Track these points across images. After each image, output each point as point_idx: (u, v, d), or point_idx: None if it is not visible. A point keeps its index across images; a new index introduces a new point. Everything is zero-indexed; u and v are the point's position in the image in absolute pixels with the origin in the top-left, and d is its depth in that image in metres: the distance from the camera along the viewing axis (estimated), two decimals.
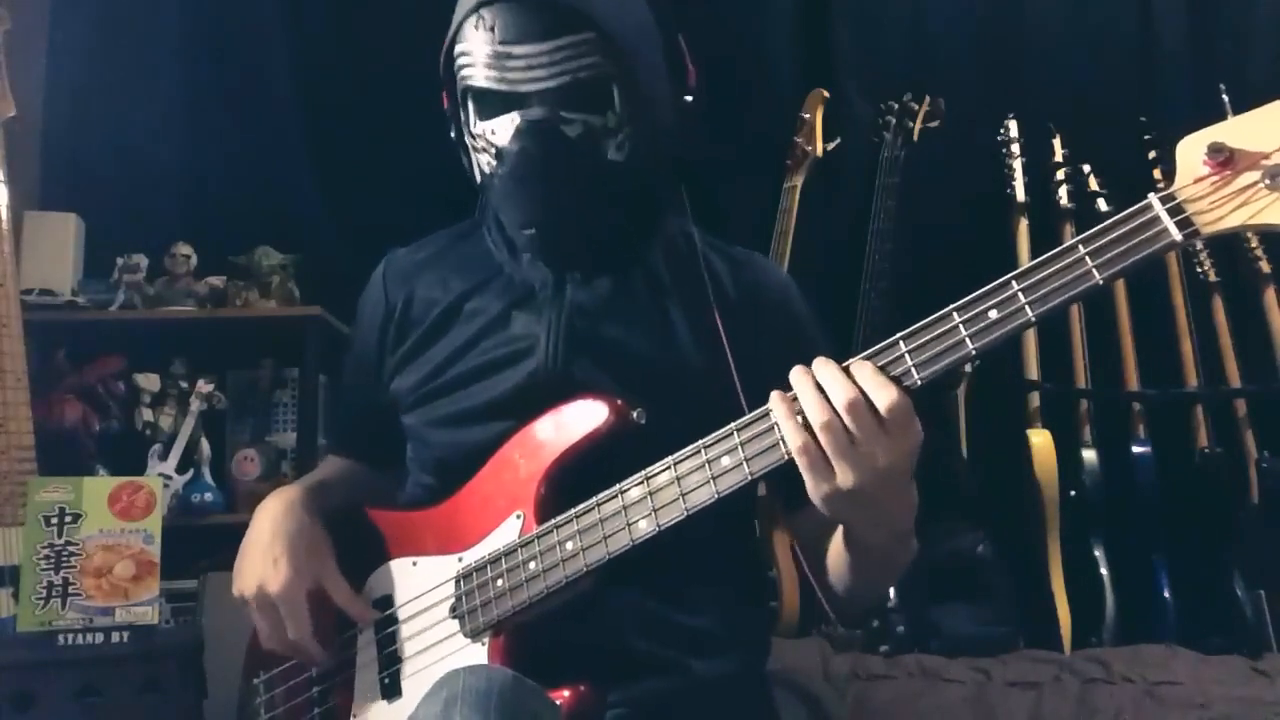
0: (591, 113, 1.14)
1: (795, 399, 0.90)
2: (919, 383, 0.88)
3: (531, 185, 1.14)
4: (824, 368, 0.90)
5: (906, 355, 0.88)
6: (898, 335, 0.89)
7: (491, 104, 1.15)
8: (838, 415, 0.87)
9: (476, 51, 1.13)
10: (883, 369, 0.89)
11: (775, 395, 0.92)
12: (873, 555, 1.03)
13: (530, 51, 1.11)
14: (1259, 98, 0.80)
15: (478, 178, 1.21)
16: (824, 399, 0.88)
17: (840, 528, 1.05)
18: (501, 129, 1.14)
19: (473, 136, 1.18)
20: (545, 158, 1.13)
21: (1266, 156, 0.77)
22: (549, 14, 1.11)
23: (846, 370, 0.89)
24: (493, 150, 1.15)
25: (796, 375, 0.91)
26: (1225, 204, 0.78)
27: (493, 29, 1.11)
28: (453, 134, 1.24)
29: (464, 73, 1.15)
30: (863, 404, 0.87)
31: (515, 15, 1.11)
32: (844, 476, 0.88)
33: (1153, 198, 0.80)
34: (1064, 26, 2.63)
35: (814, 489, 0.90)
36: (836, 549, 1.08)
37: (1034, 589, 2.23)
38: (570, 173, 1.14)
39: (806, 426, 0.89)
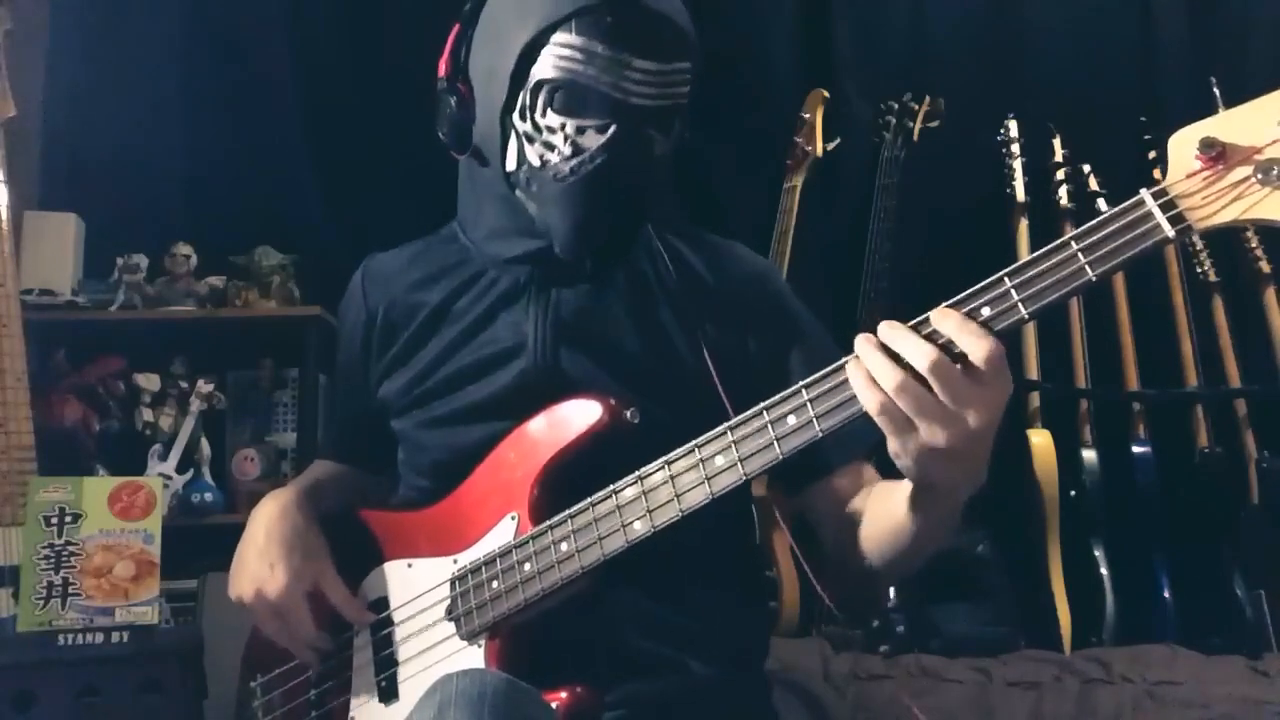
0: (667, 136, 1.16)
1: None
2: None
3: (608, 192, 1.13)
4: (891, 330, 0.85)
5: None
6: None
7: (579, 102, 1.12)
8: (912, 376, 0.82)
9: (585, 49, 1.10)
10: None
11: (852, 357, 0.87)
12: (939, 519, 0.97)
13: (649, 67, 1.10)
14: (1256, 95, 0.79)
15: (511, 164, 1.18)
16: (892, 362, 0.84)
17: (896, 494, 1.00)
18: (591, 130, 1.12)
19: (535, 126, 1.14)
20: (630, 170, 1.13)
21: (1259, 151, 0.76)
22: (671, 39, 1.12)
23: (922, 324, 0.85)
24: (570, 148, 1.13)
25: (860, 342, 0.86)
26: (1217, 199, 0.77)
27: (616, 35, 1.10)
28: (454, 101, 1.20)
29: (559, 63, 1.11)
30: (947, 362, 0.82)
31: (643, 29, 1.11)
32: (932, 435, 0.83)
33: (1145, 193, 0.80)
34: (1064, 26, 2.63)
35: (898, 448, 0.85)
36: (889, 518, 1.02)
37: (1034, 589, 2.23)
38: (641, 188, 1.17)
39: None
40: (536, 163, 1.15)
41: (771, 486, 1.17)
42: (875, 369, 0.84)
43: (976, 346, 0.82)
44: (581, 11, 1.10)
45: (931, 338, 0.84)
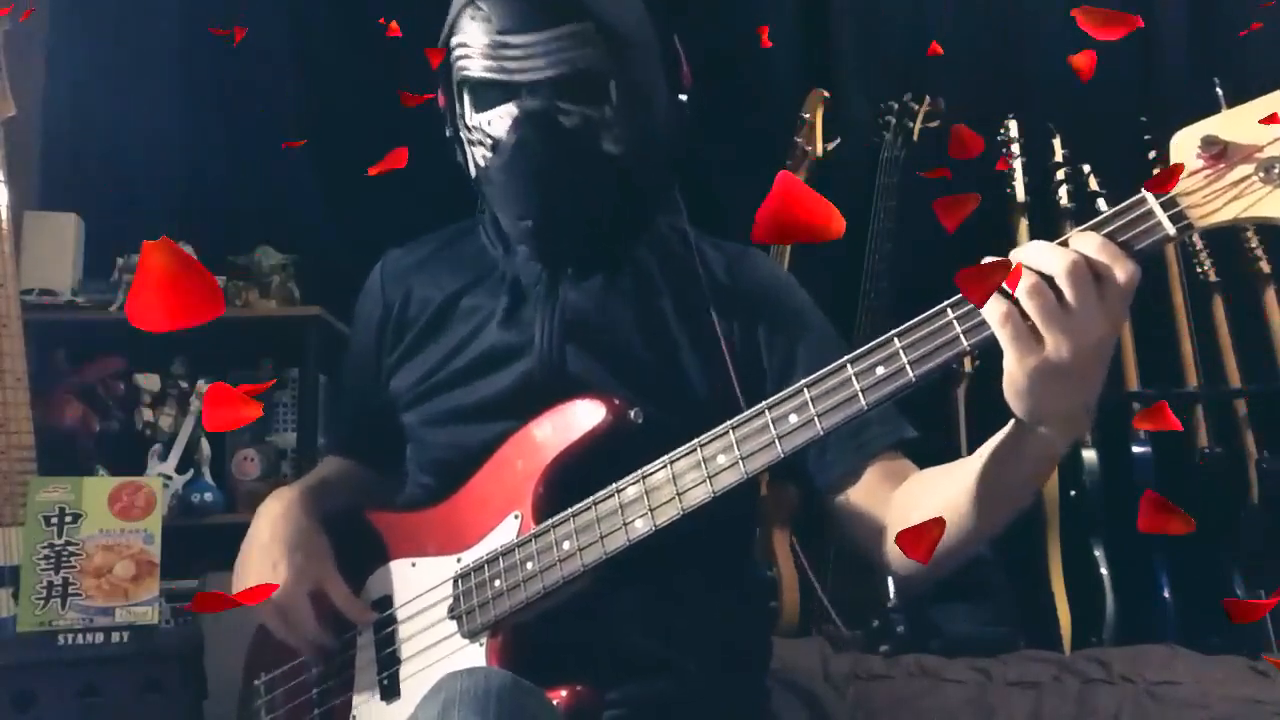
0: (588, 105, 1.14)
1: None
2: (914, 381, 0.87)
3: (528, 177, 1.14)
4: (1024, 247, 0.82)
5: (901, 351, 0.87)
6: (892, 332, 0.89)
7: (488, 95, 1.14)
8: (1044, 281, 0.79)
9: (473, 42, 1.13)
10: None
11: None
12: (1033, 472, 0.92)
13: (528, 41, 1.10)
14: (1258, 95, 0.79)
15: (473, 172, 1.21)
16: (1025, 267, 0.79)
17: (969, 465, 0.95)
18: (498, 120, 1.14)
19: (469, 129, 1.17)
20: (542, 149, 1.12)
21: (1260, 149, 0.76)
22: (547, 3, 1.11)
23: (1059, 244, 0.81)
24: (489, 142, 1.15)
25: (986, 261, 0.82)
26: (1219, 197, 0.77)
27: (490, 19, 1.11)
28: (448, 131, 1.24)
29: (460, 64, 1.15)
30: (1085, 267, 0.79)
31: (512, 4, 1.11)
32: (1057, 347, 0.79)
33: (1146, 191, 0.80)
34: (1064, 26, 2.63)
35: (1017, 365, 0.80)
36: (955, 486, 0.97)
37: (1034, 589, 2.23)
38: (566, 164, 1.14)
39: (1009, 297, 0.80)
40: (482, 163, 1.17)
41: (801, 486, 1.14)
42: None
43: (1120, 266, 0.79)
44: (463, 8, 1.13)
45: None
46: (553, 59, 1.11)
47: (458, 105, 1.19)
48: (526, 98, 1.12)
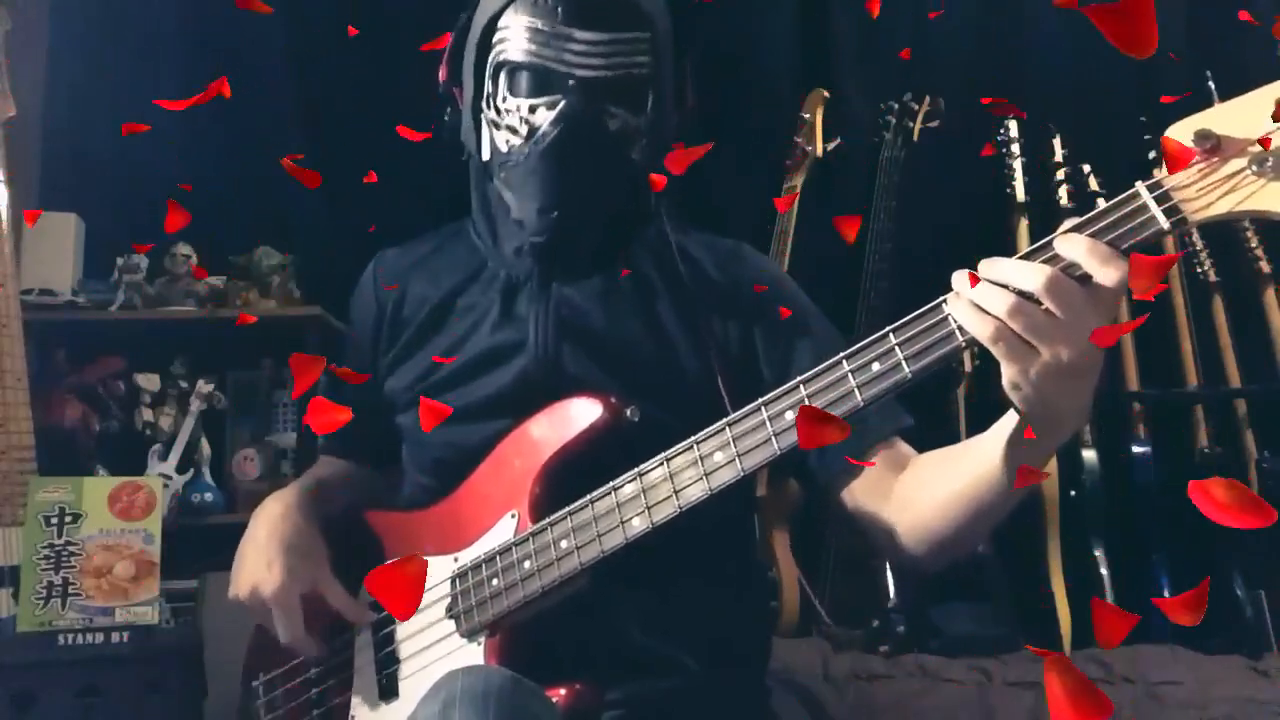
0: (630, 110, 1.15)
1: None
2: (911, 378, 0.87)
3: (564, 169, 1.13)
4: (991, 262, 0.82)
5: (897, 348, 0.87)
6: (888, 329, 0.88)
7: (532, 82, 1.14)
8: (1024, 298, 0.79)
9: (530, 27, 1.12)
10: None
11: (951, 294, 0.83)
12: (1037, 459, 0.92)
13: (591, 38, 1.11)
14: (1252, 89, 0.79)
15: (487, 153, 1.20)
16: (1000, 288, 0.80)
17: (972, 452, 0.97)
18: (542, 108, 1.13)
19: (499, 112, 1.16)
20: (584, 145, 1.12)
21: (1253, 142, 0.76)
22: (617, 7, 1.12)
23: (1043, 249, 0.81)
24: (525, 128, 1.14)
25: (958, 277, 0.83)
26: (1213, 190, 0.77)
27: (555, 9, 1.11)
28: (449, 108, 1.24)
29: (506, 45, 1.14)
30: (1063, 278, 0.79)
31: (583, 1, 1.11)
32: (1054, 353, 0.79)
33: (1140, 185, 0.80)
34: (1064, 26, 2.63)
35: (1018, 375, 0.81)
36: (958, 478, 0.98)
37: (1034, 589, 2.23)
38: (601, 165, 1.15)
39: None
40: (504, 149, 1.16)
41: (802, 482, 1.14)
42: (981, 297, 0.81)
43: (1109, 271, 0.78)
44: None
45: (1051, 262, 0.80)
46: (612, 60, 1.12)
47: (489, 85, 1.17)
48: (577, 93, 1.12)
